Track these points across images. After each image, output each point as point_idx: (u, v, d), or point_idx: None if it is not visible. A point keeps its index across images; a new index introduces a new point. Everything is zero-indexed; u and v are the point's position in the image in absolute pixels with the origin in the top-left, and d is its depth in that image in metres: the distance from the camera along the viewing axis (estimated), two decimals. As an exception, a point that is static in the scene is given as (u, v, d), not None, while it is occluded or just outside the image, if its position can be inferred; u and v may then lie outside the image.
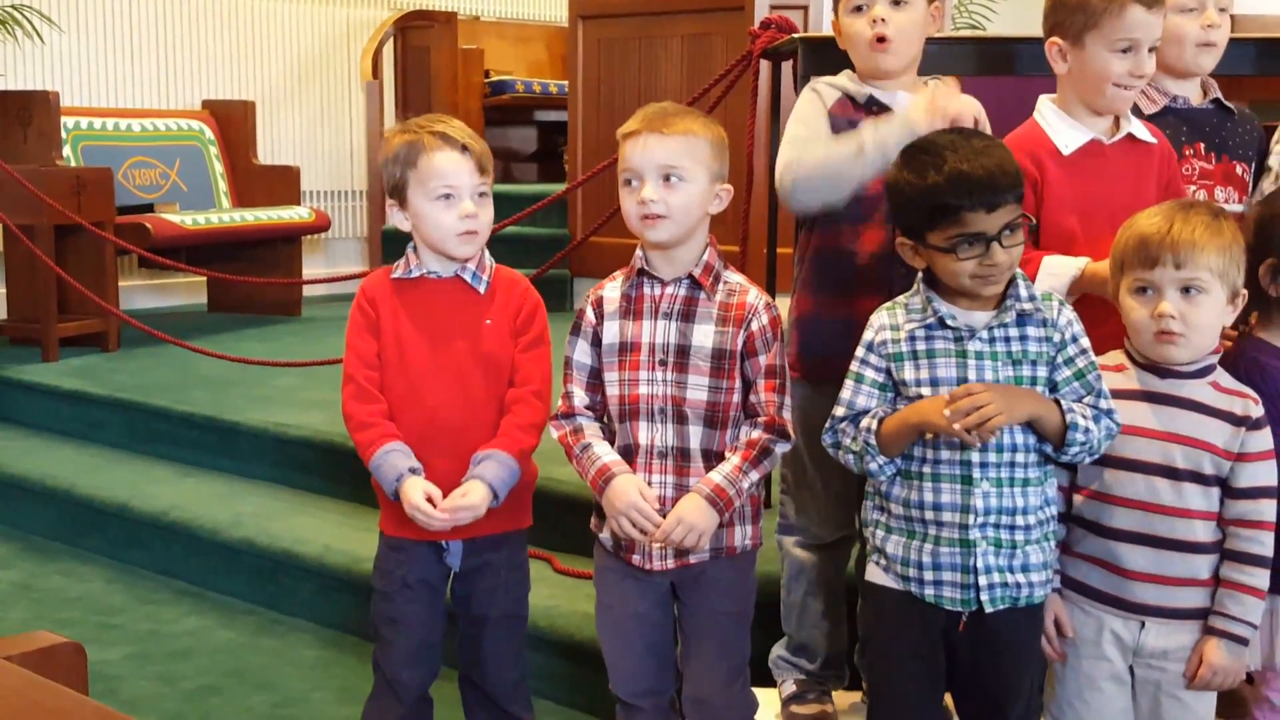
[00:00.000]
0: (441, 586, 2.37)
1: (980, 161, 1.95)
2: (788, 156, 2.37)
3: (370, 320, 2.32)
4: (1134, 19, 2.24)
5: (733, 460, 2.13)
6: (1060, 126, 2.34)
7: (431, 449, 2.26)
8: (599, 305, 2.23)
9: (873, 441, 2.01)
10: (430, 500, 2.22)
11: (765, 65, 3.55)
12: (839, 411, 2.07)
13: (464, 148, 2.27)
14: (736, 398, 2.15)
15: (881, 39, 2.38)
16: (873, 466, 2.03)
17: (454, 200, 2.26)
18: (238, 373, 4.82)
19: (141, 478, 4.18)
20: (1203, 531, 2.03)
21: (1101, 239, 2.21)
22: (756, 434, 2.14)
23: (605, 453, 2.19)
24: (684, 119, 2.13)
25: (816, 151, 2.32)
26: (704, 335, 2.15)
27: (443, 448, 2.26)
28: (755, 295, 2.18)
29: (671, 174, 2.11)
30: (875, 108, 2.40)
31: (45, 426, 4.80)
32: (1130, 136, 2.35)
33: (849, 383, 2.07)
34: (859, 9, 2.40)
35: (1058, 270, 2.23)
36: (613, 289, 2.24)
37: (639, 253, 2.21)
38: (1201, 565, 2.03)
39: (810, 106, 2.45)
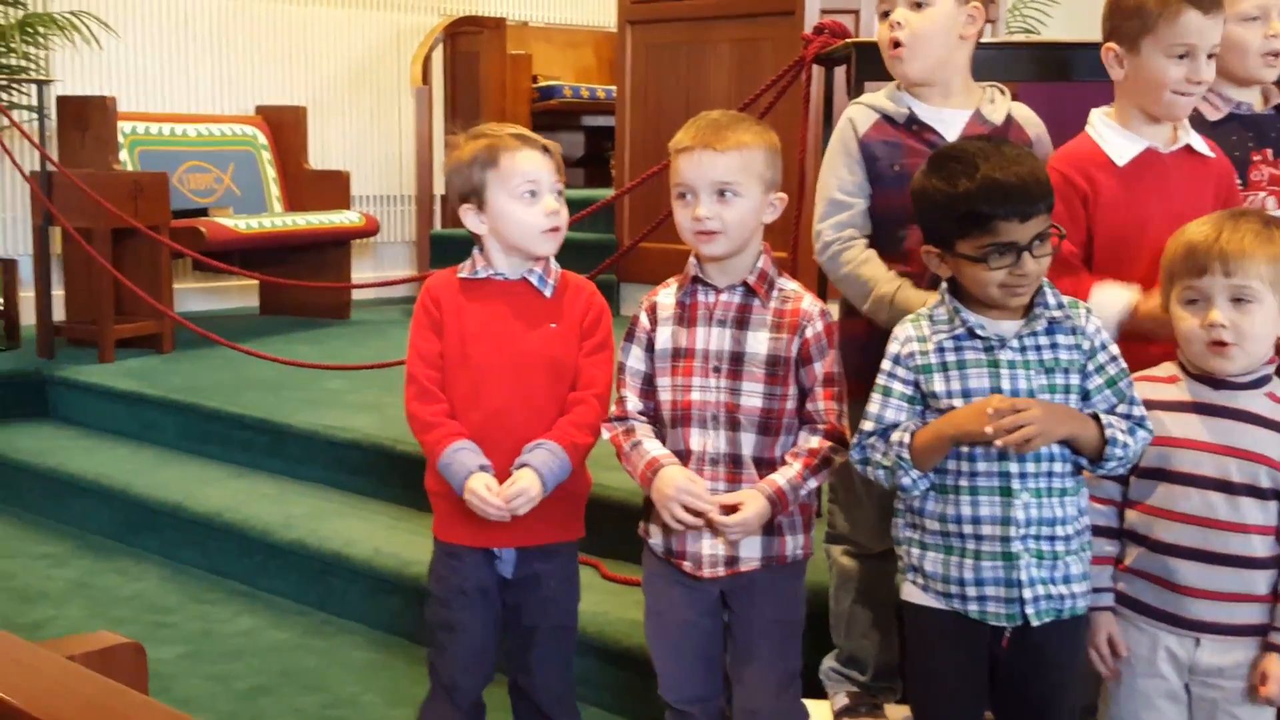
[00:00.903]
0: (496, 593, 2.36)
1: (1014, 170, 1.92)
2: (822, 214, 2.39)
3: (434, 319, 2.31)
4: (1189, 24, 2.20)
5: (794, 466, 2.11)
6: (1113, 138, 2.29)
7: (491, 449, 2.25)
8: (653, 311, 2.23)
9: (905, 456, 1.97)
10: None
11: (817, 70, 3.52)
12: (867, 426, 2.04)
13: (544, 148, 2.28)
14: (790, 405, 2.14)
15: (896, 44, 2.35)
16: (905, 481, 2.00)
17: (537, 198, 2.26)
18: (289, 375, 4.84)
19: (195, 478, 4.20)
20: (1260, 546, 1.99)
21: (1159, 251, 2.18)
22: (817, 442, 2.12)
23: (655, 448, 2.18)
24: (737, 130, 2.12)
25: (850, 259, 2.35)
26: (758, 342, 2.14)
27: (503, 449, 2.25)
28: (810, 302, 2.16)
29: (726, 189, 2.10)
30: (915, 126, 2.36)
31: (101, 427, 4.84)
32: (1188, 148, 2.30)
33: (876, 396, 2.04)
34: (885, 14, 2.38)
35: (1104, 308, 2.15)
36: (667, 295, 2.23)
37: (693, 260, 2.20)
38: (1258, 580, 1.99)
39: (841, 145, 2.41)
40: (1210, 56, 2.23)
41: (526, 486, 2.20)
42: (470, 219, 2.30)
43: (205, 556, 3.90)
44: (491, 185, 2.26)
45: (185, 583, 3.81)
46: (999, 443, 1.89)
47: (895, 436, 2.00)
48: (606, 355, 2.33)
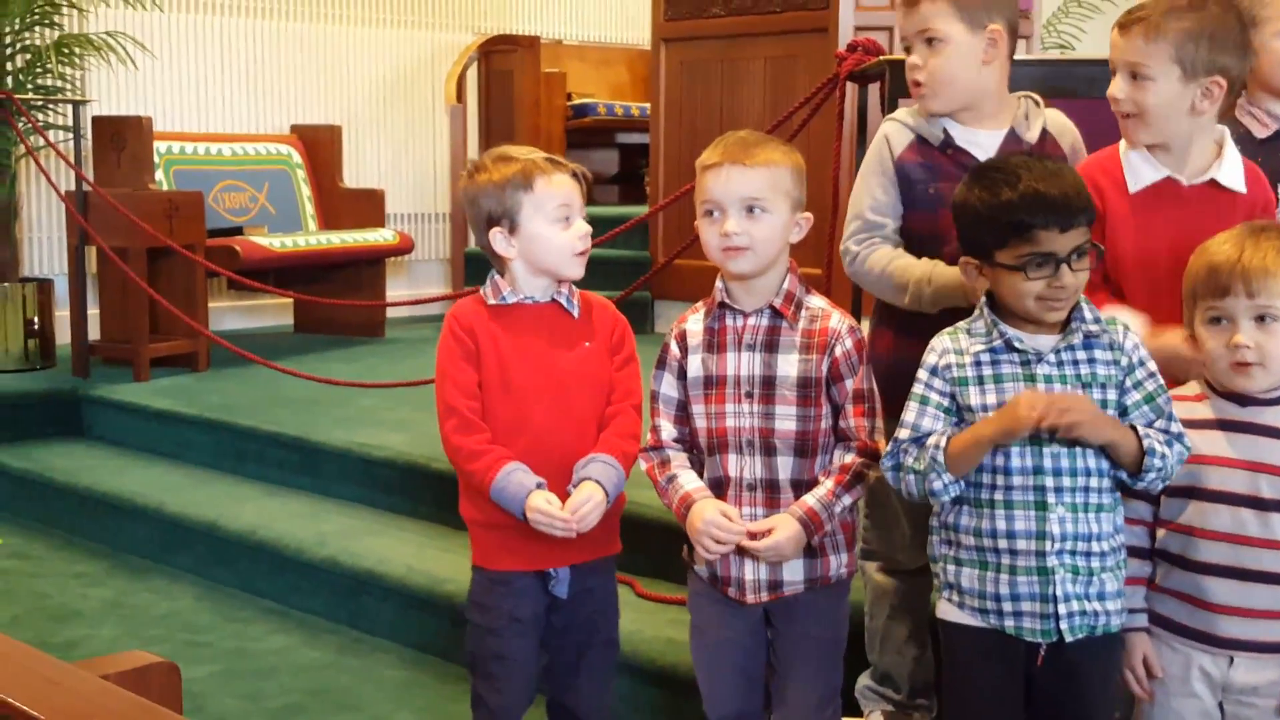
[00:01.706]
0: (544, 617, 2.37)
1: (1055, 181, 1.94)
2: (851, 231, 2.41)
3: (468, 349, 2.31)
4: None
5: (826, 485, 2.12)
6: (1135, 160, 2.24)
7: (538, 472, 2.26)
8: (683, 339, 2.24)
9: (940, 459, 1.97)
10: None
11: (851, 87, 3.53)
12: (903, 434, 2.04)
13: (574, 173, 2.32)
14: (825, 424, 2.15)
15: (917, 84, 2.35)
16: (937, 485, 1.98)
17: (571, 221, 2.29)
18: (323, 393, 4.87)
19: (229, 497, 4.23)
20: (1293, 562, 1.97)
21: (1158, 292, 2.15)
22: (849, 458, 2.13)
23: (689, 481, 2.20)
24: (765, 149, 2.13)
25: (877, 260, 2.36)
26: (788, 365, 2.14)
27: (550, 470, 2.26)
28: (838, 320, 2.17)
29: (754, 205, 2.11)
30: (950, 150, 2.36)
31: (136, 445, 4.88)
32: (1213, 182, 2.22)
33: (912, 405, 2.04)
34: (907, 49, 2.38)
35: None
36: (695, 322, 2.24)
37: (719, 284, 2.21)
38: (1292, 597, 1.98)
39: (876, 163, 2.41)
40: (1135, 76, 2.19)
41: (592, 495, 2.22)
42: (499, 242, 2.31)
43: (238, 575, 3.92)
44: (526, 209, 2.28)
45: (218, 601, 3.83)
46: (1046, 424, 1.88)
47: (931, 440, 2.00)
48: (635, 367, 2.37)
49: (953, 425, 2.02)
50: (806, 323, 2.16)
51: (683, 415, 2.24)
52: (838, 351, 2.14)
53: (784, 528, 2.10)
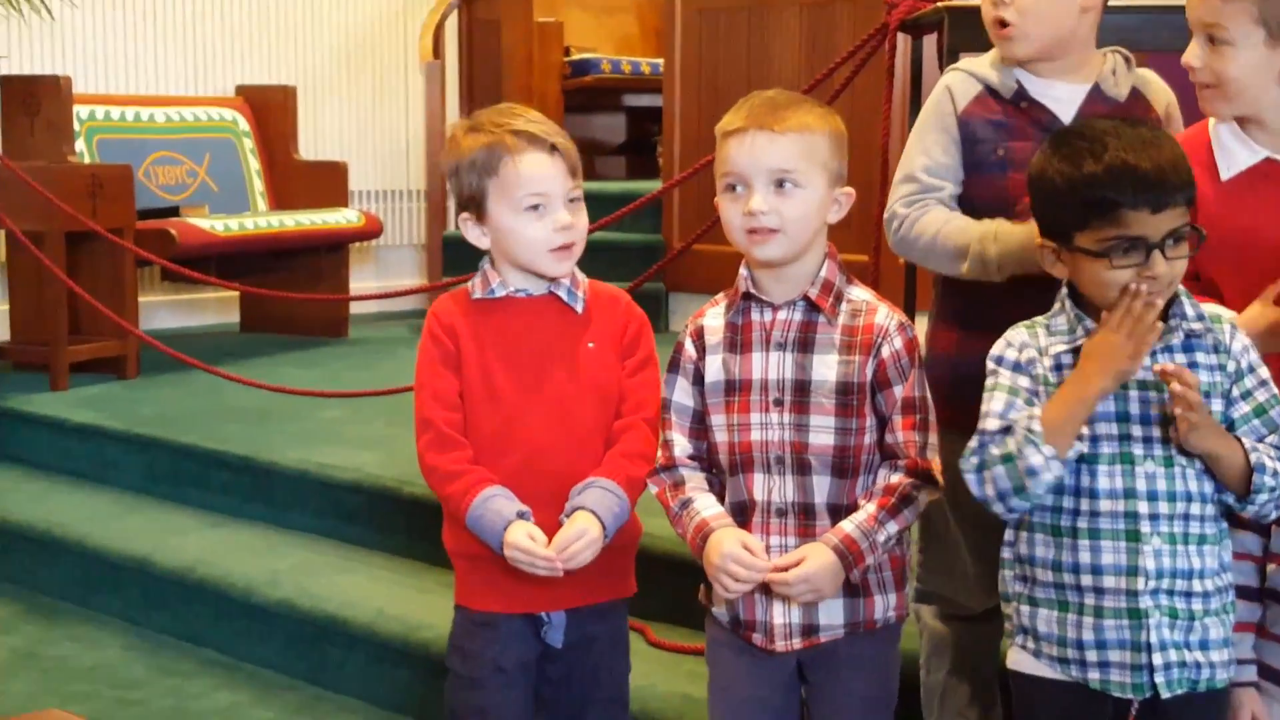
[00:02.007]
0: (534, 667, 2.38)
1: (1148, 153, 1.93)
2: (900, 195, 2.40)
3: (448, 353, 2.32)
4: None
5: (867, 508, 2.11)
6: (1229, 141, 2.25)
7: (530, 498, 2.27)
8: (699, 337, 2.24)
9: (1036, 428, 1.93)
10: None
11: (902, 39, 3.54)
12: (990, 425, 2.01)
13: (553, 148, 2.28)
14: (869, 439, 2.14)
15: (1003, 24, 2.35)
16: (1035, 460, 1.93)
17: (545, 210, 2.27)
18: (276, 404, 4.88)
19: (164, 528, 4.24)
20: None
21: (1257, 293, 2.15)
22: (896, 478, 2.12)
23: (705, 506, 2.19)
24: (798, 111, 2.13)
25: (929, 224, 2.36)
26: (826, 367, 2.14)
27: (544, 496, 2.27)
28: (885, 314, 2.17)
29: (785, 179, 2.10)
30: (1024, 103, 2.37)
31: (53, 467, 4.89)
32: None
33: (999, 395, 2.02)
34: None
35: None
36: (714, 316, 2.24)
37: (743, 272, 2.20)
38: None
39: (935, 118, 2.42)
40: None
41: (585, 529, 2.21)
42: (471, 231, 2.33)
43: (176, 620, 3.93)
44: (492, 195, 2.29)
45: (153, 651, 3.84)
46: (1175, 389, 1.88)
47: (1022, 416, 1.97)
48: (652, 373, 2.36)
49: None
50: (848, 318, 2.16)
51: (699, 428, 2.23)
52: (885, 352, 2.14)
53: (816, 557, 2.08)
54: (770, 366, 2.16)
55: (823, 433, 2.13)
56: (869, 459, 2.15)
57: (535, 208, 2.27)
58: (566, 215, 2.28)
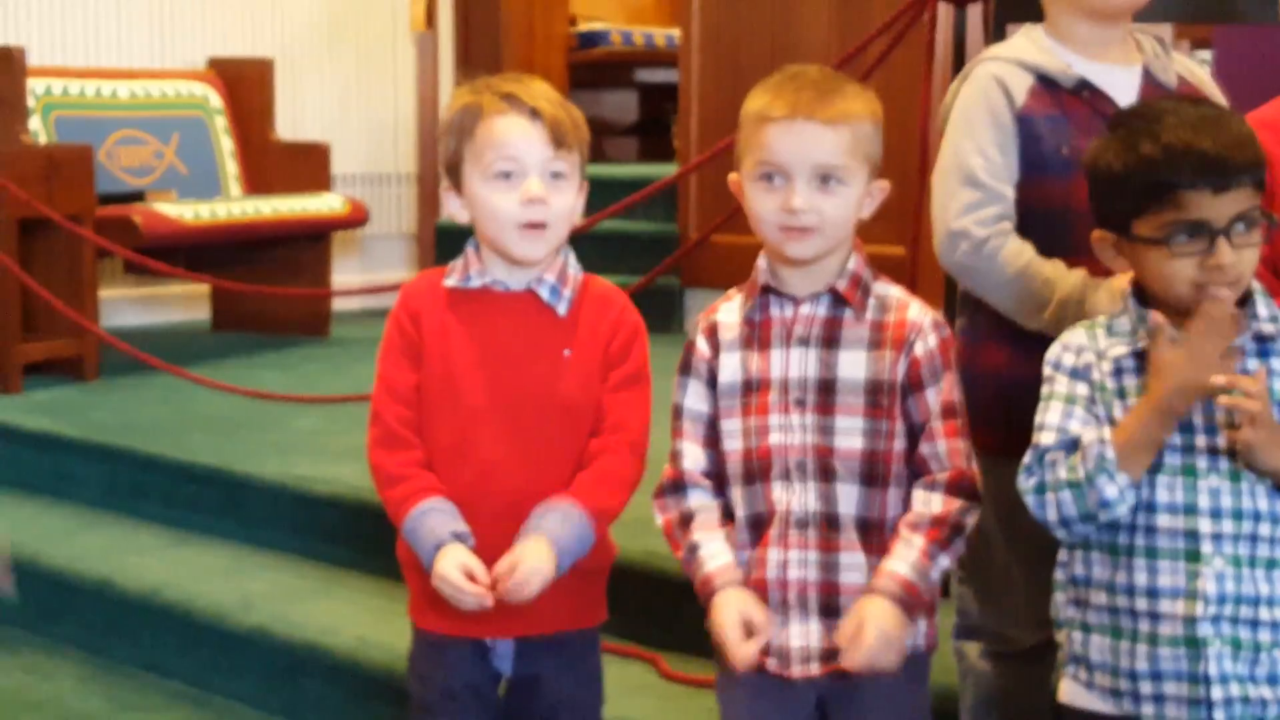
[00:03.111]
0: (492, 692, 2.39)
1: (1211, 130, 1.94)
2: (966, 204, 2.36)
3: (410, 341, 2.33)
4: None
5: (913, 542, 2.11)
6: None
7: (483, 516, 2.26)
8: (713, 334, 2.24)
9: (1110, 455, 1.93)
10: (471, 576, 2.20)
11: (944, 10, 3.53)
12: (1047, 439, 2.01)
13: (533, 112, 2.26)
14: (899, 445, 2.15)
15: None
16: (1110, 492, 1.93)
17: (515, 180, 2.26)
18: (249, 411, 4.89)
19: (126, 546, 4.25)
20: None
21: None
22: (942, 503, 2.11)
23: (713, 555, 2.19)
24: (843, 96, 2.12)
25: (1013, 256, 2.32)
26: (853, 364, 2.15)
27: (498, 516, 2.26)
28: (919, 310, 2.18)
29: (831, 175, 2.11)
30: (1085, 92, 2.37)
31: (3, 479, 4.88)
32: None
33: (1055, 405, 2.03)
34: None
35: None
36: (729, 311, 2.24)
37: (762, 264, 2.21)
38: None
39: (987, 112, 2.39)
40: None
41: (532, 564, 2.19)
42: (451, 204, 2.34)
43: (138, 649, 3.93)
44: (467, 161, 2.29)
45: (112, 683, 3.84)
46: (1224, 401, 1.88)
47: (1090, 437, 1.97)
48: (641, 392, 2.34)
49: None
50: (877, 313, 2.17)
51: (714, 436, 2.23)
52: (918, 350, 2.14)
53: (875, 615, 2.06)
54: (792, 364, 2.16)
55: (851, 435, 2.13)
56: (899, 469, 2.15)
57: (506, 176, 2.25)
58: (537, 187, 2.25)
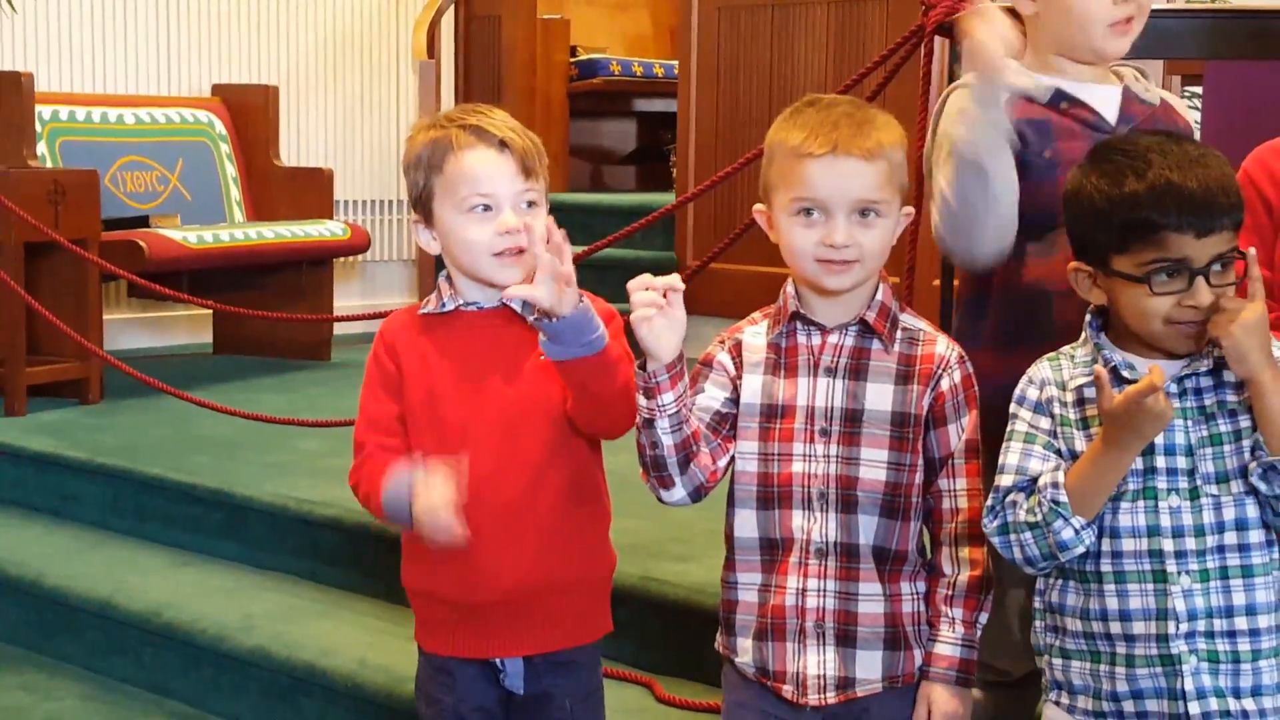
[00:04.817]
0: (501, 714, 2.39)
1: (1195, 171, 1.94)
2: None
3: (388, 375, 2.35)
4: None
5: (956, 616, 2.16)
6: None
7: (482, 529, 2.26)
8: (738, 353, 2.23)
9: (1061, 498, 1.97)
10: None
11: (940, 44, 3.54)
12: (1006, 480, 2.04)
13: (501, 143, 2.27)
14: (919, 478, 2.16)
15: (1129, 20, 2.36)
16: (1066, 535, 1.97)
17: (491, 213, 2.27)
18: (251, 433, 4.89)
19: (128, 567, 4.25)
20: None
21: None
22: (968, 565, 2.16)
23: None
24: (876, 127, 2.12)
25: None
26: (880, 396, 2.15)
27: (492, 530, 2.27)
28: (946, 345, 2.19)
29: (870, 209, 2.11)
30: (1064, 104, 2.39)
31: (8, 499, 4.90)
32: None
33: (1014, 445, 2.05)
34: None
35: None
36: (754, 335, 2.24)
37: (790, 290, 2.21)
38: None
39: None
40: None
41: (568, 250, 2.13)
42: (421, 235, 2.35)
43: (139, 668, 3.93)
44: (438, 195, 2.30)
45: (114, 703, 3.84)
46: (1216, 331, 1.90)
47: (1044, 480, 1.99)
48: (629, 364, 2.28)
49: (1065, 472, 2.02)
50: (905, 345, 2.18)
51: (718, 431, 2.20)
52: (944, 385, 2.15)
53: (940, 702, 2.15)
54: (818, 393, 2.17)
55: (874, 467, 2.14)
56: (918, 503, 2.16)
57: (483, 209, 2.27)
58: (513, 218, 2.26)
